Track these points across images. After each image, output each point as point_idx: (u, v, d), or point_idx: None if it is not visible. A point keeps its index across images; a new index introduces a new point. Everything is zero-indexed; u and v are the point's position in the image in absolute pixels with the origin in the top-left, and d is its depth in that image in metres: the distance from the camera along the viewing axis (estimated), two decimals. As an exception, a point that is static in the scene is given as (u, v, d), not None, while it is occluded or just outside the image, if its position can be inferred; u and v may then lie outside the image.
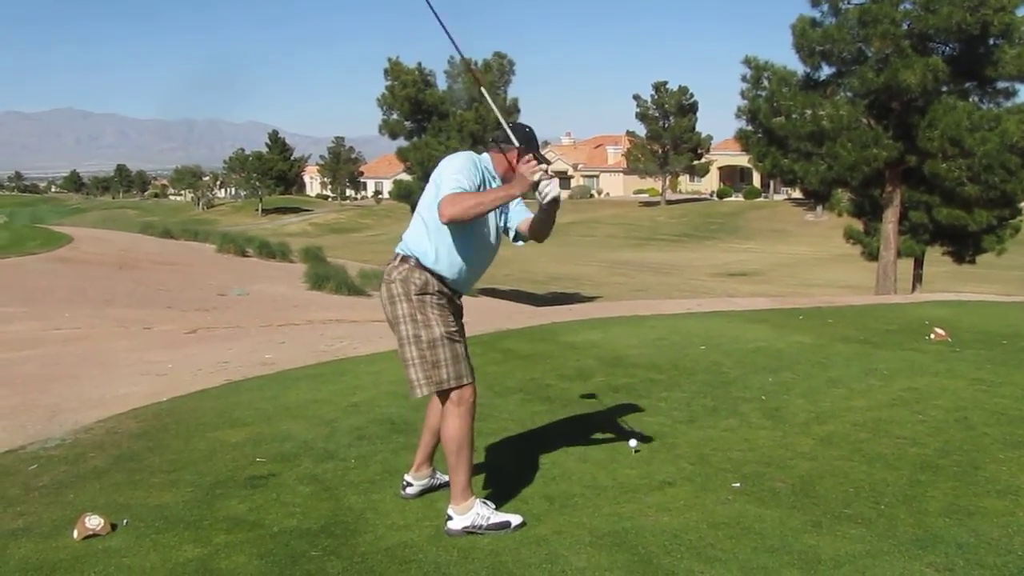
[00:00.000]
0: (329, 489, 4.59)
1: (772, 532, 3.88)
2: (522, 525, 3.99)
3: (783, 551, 3.69)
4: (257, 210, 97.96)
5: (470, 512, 3.97)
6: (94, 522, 4.04)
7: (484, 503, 4.05)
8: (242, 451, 5.32)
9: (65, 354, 10.57)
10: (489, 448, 5.21)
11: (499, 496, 4.37)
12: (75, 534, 4.01)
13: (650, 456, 4.97)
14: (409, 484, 4.45)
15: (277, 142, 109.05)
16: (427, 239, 4.09)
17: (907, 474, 4.60)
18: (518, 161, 4.09)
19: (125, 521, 4.19)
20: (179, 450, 5.42)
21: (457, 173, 3.99)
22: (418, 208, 4.19)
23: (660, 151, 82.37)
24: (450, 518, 3.99)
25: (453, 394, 4.10)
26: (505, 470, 4.81)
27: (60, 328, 13.31)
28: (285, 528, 4.09)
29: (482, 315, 15.39)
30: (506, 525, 3.98)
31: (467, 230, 4.07)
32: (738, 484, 4.48)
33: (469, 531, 3.95)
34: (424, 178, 33.47)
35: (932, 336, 8.71)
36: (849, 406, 6.02)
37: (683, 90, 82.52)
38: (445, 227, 4.01)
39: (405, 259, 4.14)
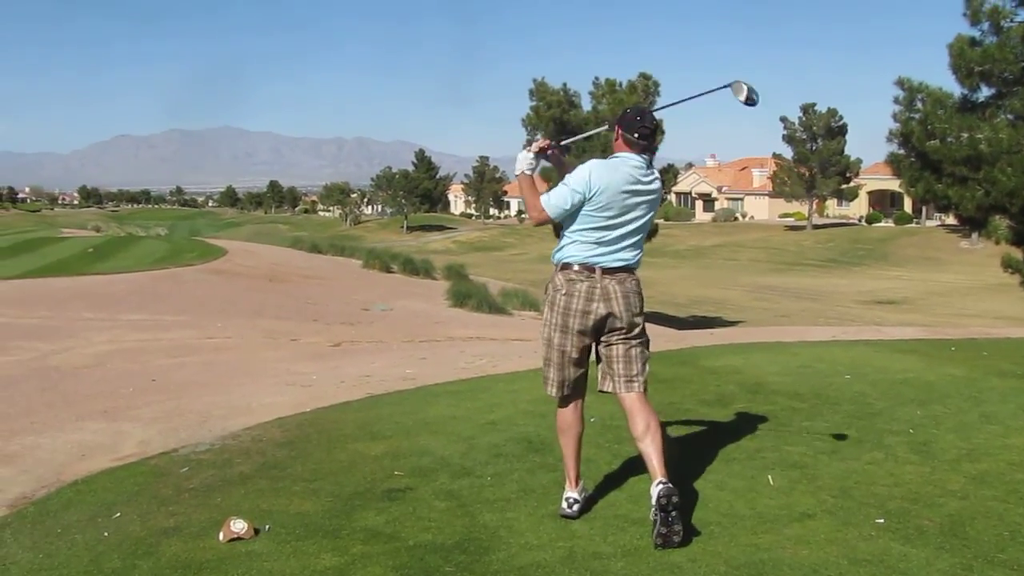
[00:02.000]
0: (464, 505, 4.64)
1: (917, 572, 3.73)
2: None
3: (929, 593, 3.55)
4: (402, 227, 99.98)
5: None
6: (239, 526, 4.18)
7: None
8: (381, 464, 5.42)
9: (217, 362, 11.00)
10: (624, 471, 5.17)
11: (634, 519, 4.33)
12: (221, 536, 4.16)
13: (790, 487, 4.84)
14: (576, 501, 4.48)
15: (423, 160, 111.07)
16: (641, 246, 4.59)
17: (1067, 519, 4.36)
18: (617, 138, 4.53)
19: (268, 527, 4.32)
20: (320, 460, 5.56)
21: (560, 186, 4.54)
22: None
23: (807, 174, 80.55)
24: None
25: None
26: (640, 493, 4.75)
27: (213, 337, 13.86)
28: (420, 542, 4.14)
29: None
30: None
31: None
32: (882, 520, 4.33)
33: None
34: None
35: (1096, 373, 8.25)
36: (1005, 444, 5.74)
37: (832, 112, 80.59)
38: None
39: (632, 270, 4.52)
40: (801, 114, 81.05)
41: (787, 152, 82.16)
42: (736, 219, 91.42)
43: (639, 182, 4.41)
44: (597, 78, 34.53)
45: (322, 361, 10.96)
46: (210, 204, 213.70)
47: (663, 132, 34.03)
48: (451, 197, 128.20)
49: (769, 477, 4.97)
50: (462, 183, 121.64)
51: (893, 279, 54.54)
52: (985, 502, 4.60)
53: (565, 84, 34.31)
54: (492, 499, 4.72)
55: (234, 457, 5.71)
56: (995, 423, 6.28)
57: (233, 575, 3.81)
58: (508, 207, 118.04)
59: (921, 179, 21.41)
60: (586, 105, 34.40)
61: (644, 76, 34.28)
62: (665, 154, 43.80)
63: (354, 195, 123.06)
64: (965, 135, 20.07)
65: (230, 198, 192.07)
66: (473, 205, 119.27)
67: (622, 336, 4.45)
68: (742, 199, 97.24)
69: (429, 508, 4.61)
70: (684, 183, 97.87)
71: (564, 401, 4.58)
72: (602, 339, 4.48)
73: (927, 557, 3.88)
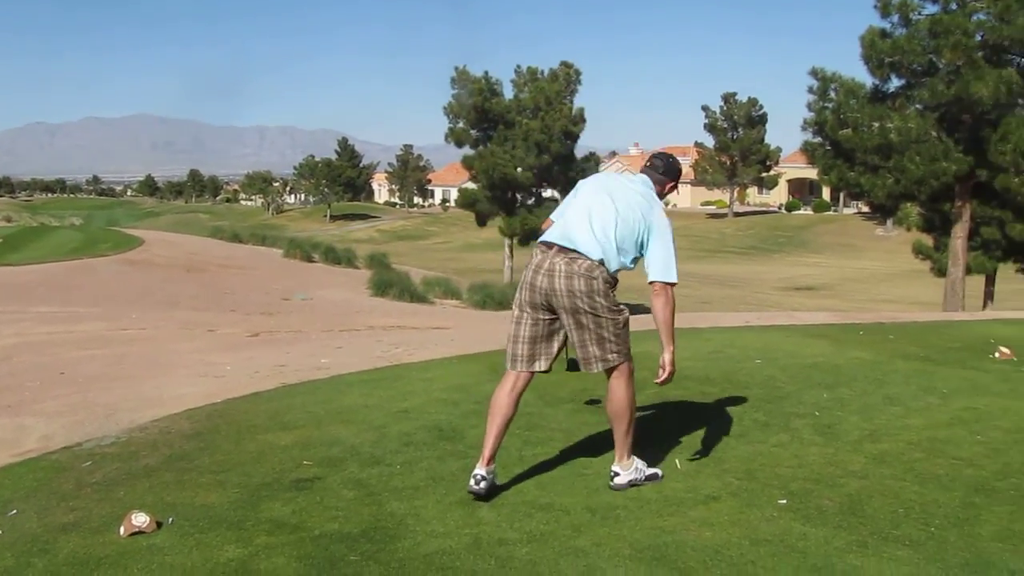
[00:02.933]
0: (373, 494, 4.61)
1: (816, 551, 3.81)
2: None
3: (825, 571, 3.62)
4: (326, 216, 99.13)
5: (631, 468, 4.64)
6: (140, 519, 4.11)
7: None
8: (290, 454, 5.37)
9: (129, 354, 10.79)
10: (533, 456, 5.20)
11: (541, 505, 4.36)
12: (121, 531, 4.08)
13: (697, 470, 4.92)
14: (484, 478, 4.46)
15: (347, 149, 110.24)
16: (615, 256, 4.49)
17: (961, 496, 4.48)
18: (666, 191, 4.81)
19: (171, 520, 4.25)
20: (229, 451, 5.49)
21: (674, 250, 4.60)
22: (609, 222, 4.52)
23: (728, 163, 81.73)
24: (616, 474, 4.61)
25: (623, 367, 4.58)
26: (549, 479, 4.79)
27: (126, 329, 13.59)
28: (326, 532, 4.11)
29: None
30: (656, 476, 4.72)
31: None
32: (784, 501, 4.41)
33: (634, 484, 4.61)
34: (489, 186, 33.67)
35: (997, 355, 8.50)
36: (905, 424, 5.90)
37: (752, 101, 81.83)
38: (625, 253, 4.52)
39: (590, 256, 4.45)
40: (722, 103, 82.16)
41: (709, 141, 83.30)
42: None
43: (627, 188, 4.64)
44: (519, 66, 34.63)
45: (238, 352, 10.81)
46: (129, 193, 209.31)
47: (584, 121, 34.23)
48: (375, 186, 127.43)
49: (676, 461, 5.04)
50: (386, 172, 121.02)
51: (811, 266, 55.63)
52: (883, 481, 4.72)
53: (487, 72, 34.34)
54: (400, 487, 4.71)
55: (140, 450, 5.60)
56: (897, 404, 6.45)
57: (133, 570, 3.74)
58: (432, 196, 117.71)
59: (834, 167, 21.90)
60: (508, 93, 34.49)
61: (566, 65, 34.45)
62: (588, 142, 44.01)
63: (277, 184, 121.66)
64: (876, 124, 20.56)
65: (149, 187, 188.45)
66: (397, 194, 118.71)
67: (570, 318, 4.46)
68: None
69: (337, 497, 4.57)
70: (608, 171, 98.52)
71: (504, 380, 4.62)
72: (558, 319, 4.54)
73: (825, 536, 3.97)
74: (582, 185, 4.77)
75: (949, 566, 3.66)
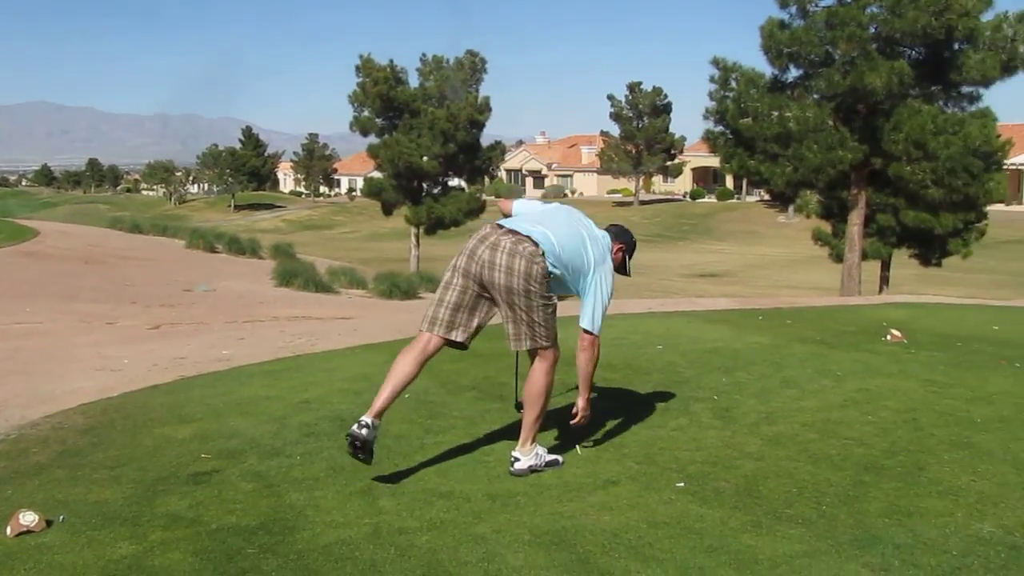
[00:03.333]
0: (272, 486, 4.56)
1: (712, 532, 3.88)
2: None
3: (721, 551, 3.69)
4: (230, 206, 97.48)
5: (532, 454, 4.69)
6: (28, 519, 3.98)
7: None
8: (187, 447, 5.27)
9: (22, 349, 10.48)
10: (435, 444, 5.20)
11: (442, 493, 4.36)
12: (8, 531, 3.95)
13: (597, 455, 4.97)
14: (367, 426, 4.43)
15: (251, 138, 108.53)
16: (559, 248, 4.58)
17: (851, 475, 4.61)
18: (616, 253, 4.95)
19: (62, 518, 4.13)
20: (124, 446, 5.37)
21: (606, 306, 4.82)
22: (563, 233, 4.66)
23: (634, 151, 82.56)
24: (517, 459, 4.66)
25: (548, 353, 4.66)
26: (450, 467, 4.79)
27: (21, 323, 13.20)
28: (223, 525, 4.05)
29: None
30: (556, 462, 4.76)
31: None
32: (682, 484, 4.48)
33: (534, 470, 4.65)
34: (395, 175, 33.50)
35: (888, 338, 8.77)
36: (800, 407, 6.04)
37: (657, 91, 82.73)
38: (565, 268, 4.61)
39: (537, 245, 4.51)
40: (627, 92, 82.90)
41: (614, 130, 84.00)
42: (566, 195, 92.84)
43: (594, 227, 4.88)
44: (424, 55, 34.48)
45: (137, 344, 10.57)
46: (23, 183, 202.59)
47: (490, 110, 34.20)
48: (280, 175, 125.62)
49: (577, 447, 5.08)
50: (291, 161, 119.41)
51: (716, 253, 56.59)
52: (778, 462, 4.83)
53: (392, 60, 34.13)
54: (300, 478, 4.66)
55: (30, 447, 5.44)
56: (793, 387, 6.61)
57: (20, 571, 3.63)
58: (338, 185, 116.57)
59: (735, 155, 22.30)
60: (414, 82, 34.32)
61: (471, 53, 34.40)
62: (495, 131, 44.02)
63: (179, 173, 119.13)
64: (775, 114, 20.98)
65: (45, 177, 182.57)
66: (303, 183, 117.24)
67: (503, 296, 4.51)
68: (571, 176, 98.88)
69: (235, 490, 4.50)
70: (514, 160, 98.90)
71: (415, 342, 4.63)
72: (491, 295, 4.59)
73: (722, 517, 4.05)
74: (557, 205, 4.96)
75: (839, 542, 3.76)
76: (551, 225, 4.62)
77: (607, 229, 4.98)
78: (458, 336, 4.63)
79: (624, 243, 4.99)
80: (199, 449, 5.23)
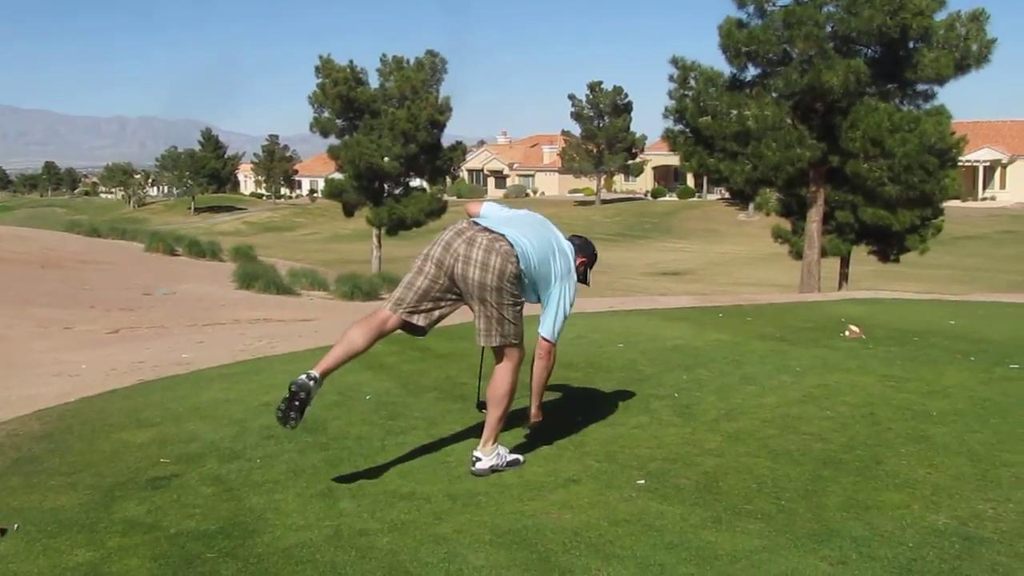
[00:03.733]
0: (231, 490, 4.53)
1: (672, 528, 3.90)
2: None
3: (681, 547, 3.71)
4: (190, 208, 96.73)
5: (494, 454, 4.69)
6: (-18, 527, 3.94)
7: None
8: (146, 452, 5.23)
9: (-23, 355, 10.33)
10: (396, 446, 5.18)
11: (403, 494, 4.35)
12: (-38, 539, 3.90)
13: (558, 454, 4.98)
14: (313, 377, 4.53)
15: (210, 140, 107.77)
16: (530, 253, 4.60)
17: (810, 469, 4.65)
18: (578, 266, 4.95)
19: (16, 526, 4.08)
20: (81, 451, 5.31)
21: (565, 316, 4.83)
22: (534, 237, 4.69)
23: (595, 151, 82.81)
24: (478, 459, 4.66)
25: (514, 352, 4.70)
26: (411, 468, 4.78)
27: (-26, 329, 13.00)
28: (183, 530, 4.01)
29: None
30: (517, 462, 4.76)
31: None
32: (643, 481, 4.50)
33: (495, 469, 4.64)
34: (356, 176, 33.38)
35: (847, 333, 8.85)
36: (760, 403, 6.08)
37: (618, 90, 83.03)
38: (533, 271, 4.62)
39: (512, 246, 4.55)
40: (588, 92, 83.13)
41: (575, 129, 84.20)
42: (527, 195, 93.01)
43: (562, 236, 4.92)
44: (384, 55, 34.40)
45: (95, 349, 10.47)
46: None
47: (451, 110, 34.13)
48: (241, 177, 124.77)
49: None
50: (252, 162, 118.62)
51: (677, 251, 56.89)
52: (738, 458, 4.86)
53: (352, 61, 34.04)
54: (260, 481, 4.63)
55: (-15, 454, 5.37)
56: (753, 384, 6.65)
57: (-26, 578, 3.59)
58: (299, 187, 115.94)
59: (695, 154, 22.43)
60: (374, 82, 34.22)
61: (431, 53, 34.36)
62: (456, 131, 44.00)
63: (138, 176, 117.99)
64: (734, 112, 21.13)
65: (1, 180, 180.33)
66: (264, 185, 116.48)
67: (475, 291, 4.52)
68: (533, 175, 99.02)
69: (194, 494, 4.47)
70: (476, 160, 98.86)
71: (373, 316, 4.66)
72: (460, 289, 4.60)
73: (682, 513, 4.07)
74: (527, 211, 4.96)
75: (797, 537, 3.79)
76: (524, 230, 4.65)
77: (570, 240, 5.00)
78: (419, 321, 4.64)
79: (587, 256, 5.02)
80: (158, 454, 5.19)
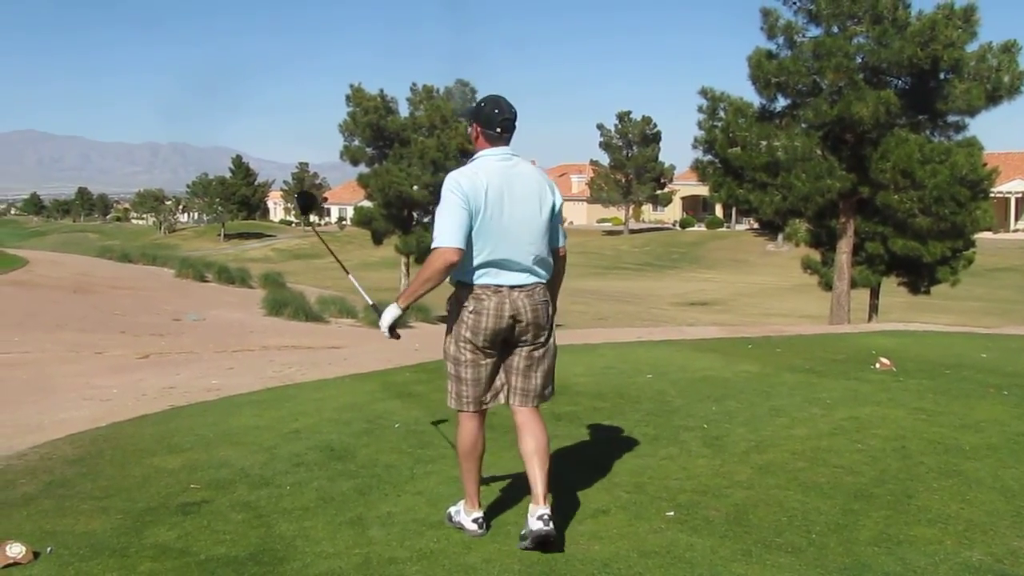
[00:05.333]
0: (261, 516, 4.55)
1: (702, 561, 3.88)
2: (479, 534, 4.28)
3: (711, 580, 3.69)
4: (219, 235, 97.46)
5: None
6: (15, 550, 3.96)
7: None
8: (177, 477, 5.26)
9: (9, 379, 10.43)
10: (425, 474, 5.19)
11: (432, 523, 4.36)
12: (-5, 563, 3.94)
13: (587, 484, 4.96)
14: (483, 519, 4.30)
15: (241, 167, 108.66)
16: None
17: (841, 503, 4.62)
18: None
19: (49, 549, 4.12)
20: (112, 476, 5.35)
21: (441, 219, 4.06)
22: (541, 235, 4.21)
23: (623, 180, 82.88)
24: (548, 516, 4.04)
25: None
26: (440, 496, 4.78)
27: (8, 352, 13.13)
28: (212, 556, 4.04)
29: (433, 342, 15.35)
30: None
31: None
32: (672, 513, 4.48)
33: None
34: (385, 204, 33.56)
35: (877, 366, 8.79)
36: (789, 435, 6.05)
37: (647, 120, 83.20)
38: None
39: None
40: (617, 122, 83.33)
41: (604, 159, 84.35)
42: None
43: (516, 176, 4.13)
44: (415, 84, 34.63)
45: (126, 374, 10.55)
46: (12, 212, 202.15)
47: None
48: (270, 204, 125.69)
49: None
50: (281, 190, 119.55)
51: (705, 281, 56.69)
52: (768, 490, 4.83)
53: (382, 90, 34.26)
54: (290, 508, 4.65)
55: (18, 478, 5.42)
56: (783, 416, 6.61)
57: (7, 601, 3.62)
58: (328, 214, 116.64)
59: (724, 184, 22.39)
60: (404, 111, 34.46)
61: (462, 83, 34.56)
62: (485, 160, 44.23)
63: (169, 202, 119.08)
64: (764, 143, 21.09)
65: (35, 206, 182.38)
66: (293, 212, 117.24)
67: (529, 351, 4.22)
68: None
69: (224, 521, 4.49)
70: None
71: (472, 419, 4.28)
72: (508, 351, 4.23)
73: (712, 546, 4.05)
74: (477, 192, 4.02)
75: (828, 571, 3.76)
76: (526, 233, 4.14)
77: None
78: (510, 400, 4.31)
79: (473, 120, 4.25)
80: (188, 479, 5.22)
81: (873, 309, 24.66)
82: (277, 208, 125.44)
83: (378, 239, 35.79)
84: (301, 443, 5.97)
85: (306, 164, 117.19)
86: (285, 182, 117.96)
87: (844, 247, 22.00)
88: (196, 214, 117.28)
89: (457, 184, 4.02)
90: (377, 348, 12.25)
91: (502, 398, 4.28)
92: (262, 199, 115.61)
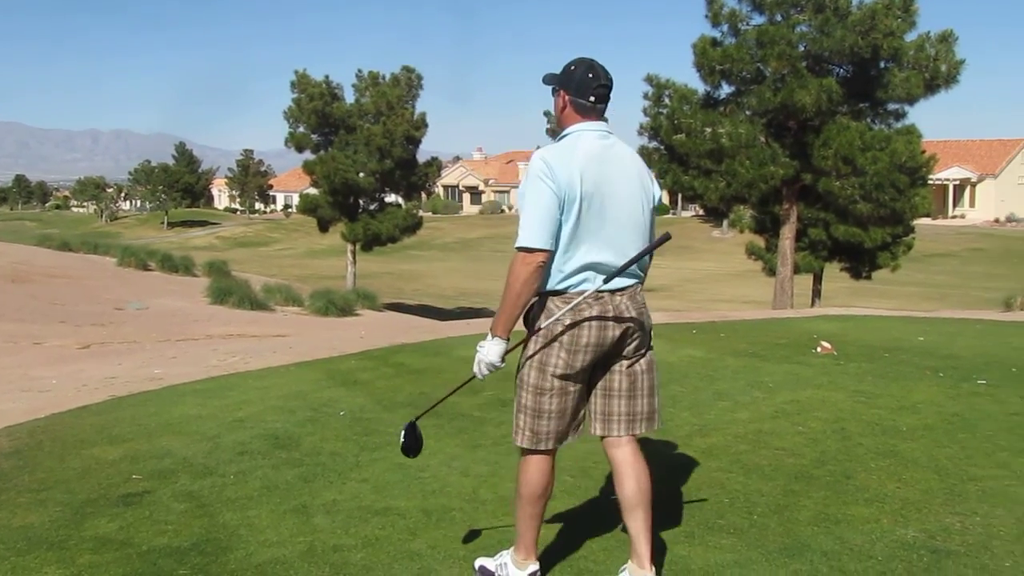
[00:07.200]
0: (204, 506, 4.51)
1: (645, 543, 3.92)
2: None
3: (654, 560, 3.72)
4: (163, 223, 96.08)
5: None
6: (-49, 544, 3.90)
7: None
8: (118, 468, 5.20)
9: (-55, 370, 10.23)
10: (370, 462, 5.18)
11: (377, 510, 4.35)
12: (-70, 557, 3.87)
13: (532, 469, 4.98)
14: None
15: (184, 154, 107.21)
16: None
17: (782, 484, 4.69)
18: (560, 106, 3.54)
19: (-15, 543, 4.05)
20: (51, 468, 5.27)
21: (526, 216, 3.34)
22: (644, 232, 3.56)
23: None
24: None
25: None
26: (385, 484, 4.78)
27: (-57, 344, 12.87)
28: (155, 547, 4.00)
29: (379, 329, 15.29)
30: None
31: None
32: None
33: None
34: (331, 191, 33.31)
35: (818, 350, 8.91)
36: (732, 419, 6.13)
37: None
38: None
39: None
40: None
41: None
42: (503, 211, 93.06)
43: (616, 159, 3.45)
44: (360, 70, 34.38)
45: (65, 365, 10.38)
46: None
47: (426, 126, 34.19)
48: (215, 192, 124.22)
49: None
50: (226, 177, 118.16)
51: (652, 267, 56.74)
52: (711, 473, 4.90)
53: (327, 76, 33.95)
54: (234, 498, 4.62)
55: (-46, 470, 5.32)
56: (726, 399, 6.70)
57: (-59, 597, 3.56)
58: (274, 202, 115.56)
59: (669, 171, 22.53)
60: (349, 97, 34.19)
61: (407, 69, 34.36)
62: (431, 147, 44.05)
63: (110, 190, 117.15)
64: (708, 130, 21.24)
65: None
66: (238, 200, 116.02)
67: (632, 366, 3.52)
68: (508, 192, 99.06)
69: (167, 511, 4.45)
70: (451, 176, 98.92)
71: (547, 460, 3.55)
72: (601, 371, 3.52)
73: (655, 528, 4.06)
74: (572, 179, 3.28)
75: (768, 551, 3.83)
76: (629, 226, 3.49)
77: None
78: (596, 430, 3.64)
79: (558, 84, 3.54)
80: (130, 470, 5.16)
81: (816, 294, 24.97)
82: (221, 196, 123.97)
83: (324, 226, 35.49)
84: (245, 432, 5.93)
85: (251, 151, 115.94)
86: (230, 169, 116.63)
87: (787, 233, 22.24)
88: (139, 202, 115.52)
89: (548, 168, 3.28)
90: (322, 336, 12.19)
91: (581, 430, 3.59)
92: (206, 187, 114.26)
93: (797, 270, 23.07)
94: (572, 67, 3.47)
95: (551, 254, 3.28)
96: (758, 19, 21.34)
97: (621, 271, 3.33)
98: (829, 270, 25.30)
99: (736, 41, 21.26)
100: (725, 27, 21.51)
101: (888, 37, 19.81)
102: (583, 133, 3.41)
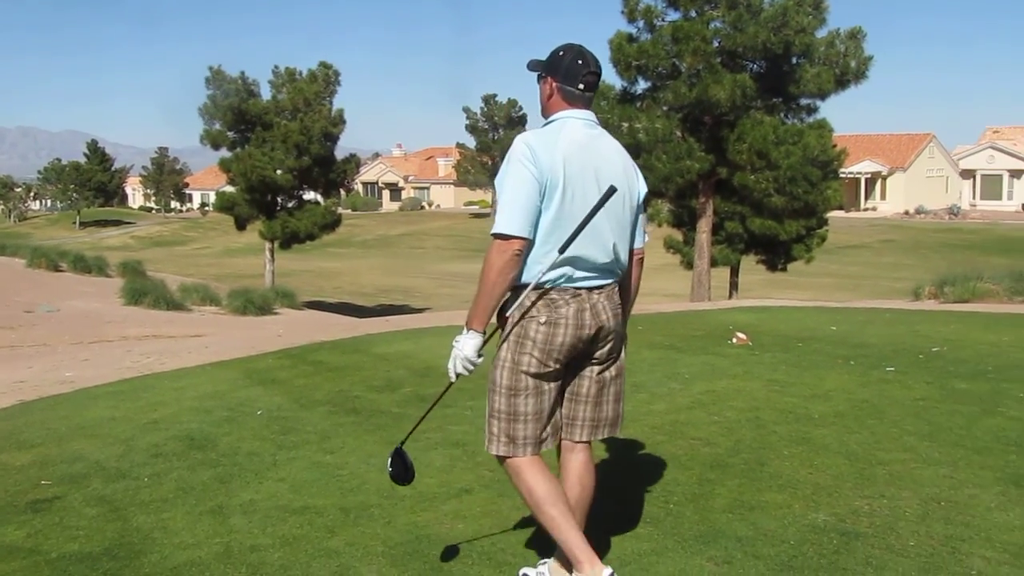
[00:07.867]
0: (118, 510, 4.43)
1: (563, 535, 3.95)
2: None
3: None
4: (75, 223, 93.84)
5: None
6: None
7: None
8: (26, 474, 5.07)
9: None
10: (288, 460, 5.14)
11: (295, 509, 4.32)
12: None
13: (451, 464, 5.00)
14: None
15: (96, 152, 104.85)
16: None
17: (698, 473, 4.76)
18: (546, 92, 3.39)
19: None
20: (-44, 476, 5.13)
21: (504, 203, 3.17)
22: (625, 228, 3.40)
23: (490, 163, 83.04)
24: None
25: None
26: (303, 482, 4.74)
27: None
28: (65, 553, 3.91)
29: (298, 328, 15.16)
30: None
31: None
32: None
33: None
34: (248, 189, 32.88)
35: (734, 340, 9.06)
36: (649, 410, 6.19)
37: (512, 103, 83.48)
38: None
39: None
40: (483, 104, 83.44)
41: (470, 142, 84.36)
42: (423, 208, 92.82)
43: (601, 150, 3.31)
44: (277, 67, 33.99)
45: (-28, 369, 10.10)
46: None
47: (344, 122, 33.92)
48: (129, 190, 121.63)
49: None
50: (140, 175, 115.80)
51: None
52: (627, 464, 4.96)
53: (243, 72, 33.49)
54: (148, 500, 4.54)
55: None
56: (643, 391, 6.76)
57: None
58: (190, 200, 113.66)
59: (587, 166, 22.71)
60: (266, 94, 33.77)
61: (324, 65, 34.04)
62: (350, 144, 43.70)
63: (19, 189, 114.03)
64: (625, 124, 21.44)
65: None
66: (153, 198, 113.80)
67: (604, 369, 3.42)
68: (428, 188, 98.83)
69: (78, 516, 4.36)
70: (371, 173, 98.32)
71: (533, 463, 3.36)
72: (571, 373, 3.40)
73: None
74: (555, 164, 3.14)
75: (684, 539, 3.88)
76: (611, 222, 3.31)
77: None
78: (557, 437, 3.50)
79: (544, 71, 3.39)
80: (39, 475, 5.04)
81: (733, 287, 25.37)
82: (136, 194, 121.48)
83: (241, 224, 35.01)
84: (160, 434, 5.83)
85: (166, 149, 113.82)
86: (144, 167, 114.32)
87: (704, 226, 22.57)
88: (49, 201, 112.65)
89: (530, 152, 3.13)
90: (240, 335, 12.04)
91: (559, 436, 3.48)
92: (120, 185, 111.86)
93: (714, 263, 23.42)
94: (561, 53, 3.33)
95: (529, 243, 3.11)
96: (673, 15, 21.64)
97: (574, 238, 3.11)
98: (746, 262, 25.73)
99: (652, 37, 21.51)
100: (641, 23, 21.74)
101: (799, 33, 20.22)
102: (569, 120, 3.27)
